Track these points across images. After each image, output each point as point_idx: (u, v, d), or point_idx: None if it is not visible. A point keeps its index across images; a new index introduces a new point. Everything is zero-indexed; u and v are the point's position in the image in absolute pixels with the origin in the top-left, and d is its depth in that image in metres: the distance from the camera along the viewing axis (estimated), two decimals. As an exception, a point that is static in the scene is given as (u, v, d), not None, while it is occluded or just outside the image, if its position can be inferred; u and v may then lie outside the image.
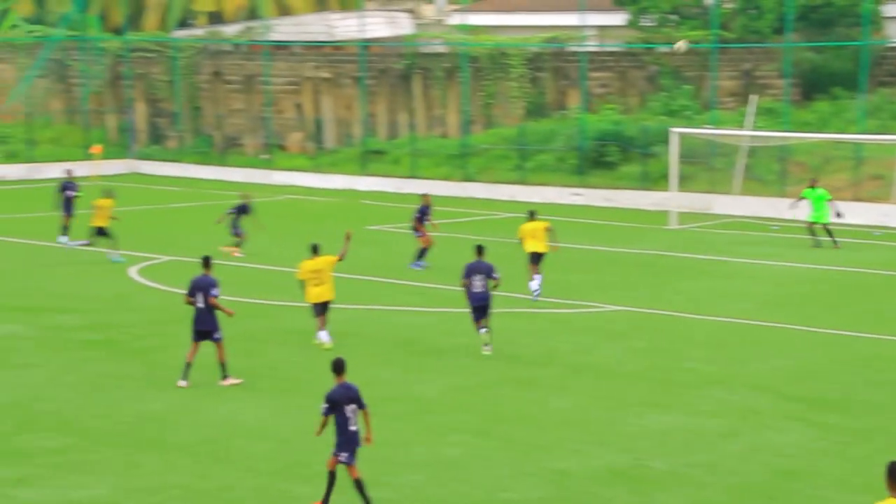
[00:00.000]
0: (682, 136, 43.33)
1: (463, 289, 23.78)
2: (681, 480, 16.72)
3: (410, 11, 65.42)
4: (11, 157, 57.20)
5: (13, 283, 30.68)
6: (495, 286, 23.75)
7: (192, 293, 21.16)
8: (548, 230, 29.13)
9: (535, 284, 28.65)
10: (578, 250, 36.33)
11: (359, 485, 15.33)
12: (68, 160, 56.99)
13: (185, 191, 51.67)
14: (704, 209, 44.61)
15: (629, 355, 23.57)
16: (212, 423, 19.09)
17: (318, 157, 55.76)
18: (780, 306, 28.35)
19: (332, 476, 15.43)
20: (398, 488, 16.33)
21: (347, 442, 15.29)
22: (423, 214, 33.55)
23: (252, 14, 66.61)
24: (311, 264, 23.86)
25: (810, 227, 37.69)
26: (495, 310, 24.25)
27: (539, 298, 28.44)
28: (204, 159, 58.72)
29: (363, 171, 53.46)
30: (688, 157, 44.71)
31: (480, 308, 23.58)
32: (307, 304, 24.16)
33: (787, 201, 40.89)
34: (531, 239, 28.96)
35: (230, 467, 17.08)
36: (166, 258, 33.92)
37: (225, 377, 21.10)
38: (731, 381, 21.67)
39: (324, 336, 23.81)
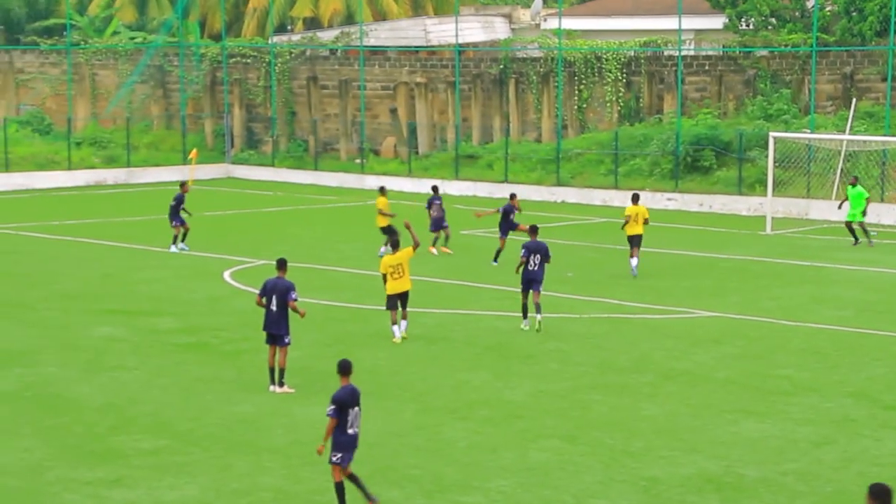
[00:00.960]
0: (779, 140, 42.83)
1: (521, 265, 25.69)
2: (773, 488, 16.49)
3: (506, 16, 65.40)
4: (111, 162, 58.16)
5: (111, 286, 31.14)
6: (547, 262, 25.82)
7: (264, 295, 21.03)
8: (645, 219, 32.24)
9: (634, 262, 31.93)
10: (672, 256, 36.05)
11: (340, 488, 15.39)
12: (165, 165, 58.12)
13: (279, 195, 52.13)
14: (801, 215, 44.06)
15: (722, 362, 23.31)
16: (302, 425, 19.18)
17: (411, 161, 55.93)
18: (877, 313, 27.86)
19: (349, 480, 15.54)
20: (487, 493, 16.29)
21: (345, 444, 15.32)
22: (506, 214, 34.15)
23: (348, 19, 67.11)
24: (391, 259, 24.60)
25: (848, 226, 38.03)
26: (590, 314, 24.09)
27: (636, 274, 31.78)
28: (298, 164, 59.20)
29: (456, 175, 53.52)
30: (784, 161, 44.21)
31: (534, 284, 25.51)
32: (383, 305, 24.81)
33: (839, 203, 40.73)
34: (633, 222, 31.95)
35: (321, 470, 17.10)
36: (259, 262, 34.20)
37: (281, 384, 21.03)
38: (826, 389, 21.35)
39: (396, 331, 24.63)
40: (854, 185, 38.49)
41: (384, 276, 24.47)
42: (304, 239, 39.30)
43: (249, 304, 28.48)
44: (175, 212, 36.41)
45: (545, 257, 25.57)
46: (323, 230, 42.04)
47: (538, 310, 25.48)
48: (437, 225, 36.11)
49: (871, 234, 38.25)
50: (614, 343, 24.75)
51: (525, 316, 25.69)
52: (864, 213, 37.93)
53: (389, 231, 34.48)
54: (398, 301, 24.58)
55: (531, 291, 25.55)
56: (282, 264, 21.35)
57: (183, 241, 36.49)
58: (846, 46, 49.75)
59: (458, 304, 28.68)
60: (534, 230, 26.50)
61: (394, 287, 24.48)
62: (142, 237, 38.96)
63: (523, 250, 25.71)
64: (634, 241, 31.92)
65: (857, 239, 37.97)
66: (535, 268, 25.49)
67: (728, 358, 23.61)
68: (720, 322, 26.94)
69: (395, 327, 24.67)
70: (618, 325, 26.56)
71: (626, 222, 31.97)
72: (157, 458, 17.70)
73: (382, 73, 59.86)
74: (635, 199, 32.79)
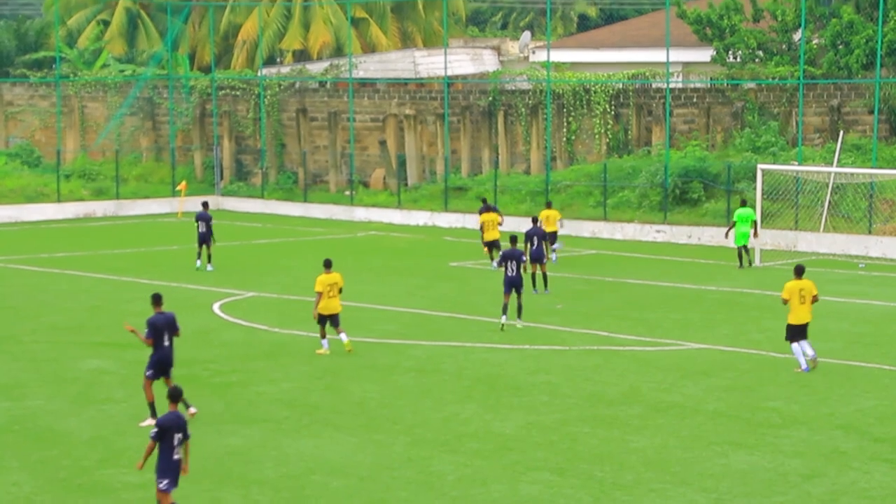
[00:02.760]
0: (767, 172, 42.97)
1: (499, 268, 29.29)
2: (763, 522, 16.47)
3: (495, 48, 65.61)
4: (100, 194, 58.12)
5: (100, 318, 31.08)
6: (523, 268, 29.14)
7: (156, 334, 21.04)
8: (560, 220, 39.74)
9: (554, 256, 39.09)
10: (661, 287, 36.09)
11: None
12: (155, 197, 58.20)
13: (268, 227, 52.13)
14: (789, 247, 44.15)
15: (711, 394, 23.32)
16: (292, 458, 19.16)
17: (400, 193, 55.99)
18: (866, 345, 27.93)
19: None
20: (476, 526, 16.26)
21: (170, 469, 15.59)
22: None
23: (338, 52, 67.28)
24: (326, 278, 25.77)
25: (739, 251, 40.23)
26: (579, 346, 24.05)
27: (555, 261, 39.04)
28: (287, 196, 59.23)
29: (445, 207, 53.59)
30: (772, 194, 44.33)
31: (516, 286, 28.85)
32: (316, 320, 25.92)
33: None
34: (546, 221, 37.83)
35: None
36: (249, 294, 34.19)
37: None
38: (816, 422, 21.37)
39: (325, 343, 25.90)
40: (743, 205, 40.20)
41: (319, 294, 25.51)
42: (293, 271, 39.29)
43: (240, 336, 28.54)
44: (210, 233, 38.40)
45: (520, 263, 28.80)
46: (312, 262, 41.93)
47: (519, 313, 29.07)
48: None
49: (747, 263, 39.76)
50: (604, 375, 24.75)
51: (504, 312, 28.82)
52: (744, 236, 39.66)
53: (494, 245, 38.45)
54: (328, 321, 25.74)
55: (513, 293, 28.86)
56: (159, 299, 21.54)
57: (209, 261, 38.50)
58: (833, 79, 49.98)
59: (449, 336, 28.66)
60: (513, 240, 29.69)
61: (327, 306, 25.56)
62: (131, 269, 38.91)
63: (499, 257, 29.63)
64: (551, 237, 38.16)
65: (741, 263, 39.77)
66: (513, 273, 28.73)
67: (717, 390, 23.63)
68: (709, 354, 26.96)
69: (325, 340, 25.88)
70: (607, 357, 26.58)
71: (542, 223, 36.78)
72: (145, 491, 17.62)
73: (372, 105, 60.00)
74: (548, 205, 40.71)
